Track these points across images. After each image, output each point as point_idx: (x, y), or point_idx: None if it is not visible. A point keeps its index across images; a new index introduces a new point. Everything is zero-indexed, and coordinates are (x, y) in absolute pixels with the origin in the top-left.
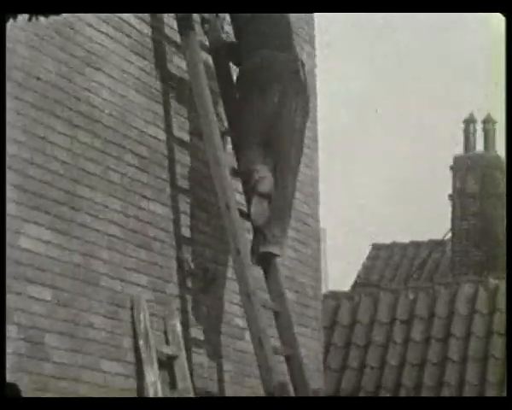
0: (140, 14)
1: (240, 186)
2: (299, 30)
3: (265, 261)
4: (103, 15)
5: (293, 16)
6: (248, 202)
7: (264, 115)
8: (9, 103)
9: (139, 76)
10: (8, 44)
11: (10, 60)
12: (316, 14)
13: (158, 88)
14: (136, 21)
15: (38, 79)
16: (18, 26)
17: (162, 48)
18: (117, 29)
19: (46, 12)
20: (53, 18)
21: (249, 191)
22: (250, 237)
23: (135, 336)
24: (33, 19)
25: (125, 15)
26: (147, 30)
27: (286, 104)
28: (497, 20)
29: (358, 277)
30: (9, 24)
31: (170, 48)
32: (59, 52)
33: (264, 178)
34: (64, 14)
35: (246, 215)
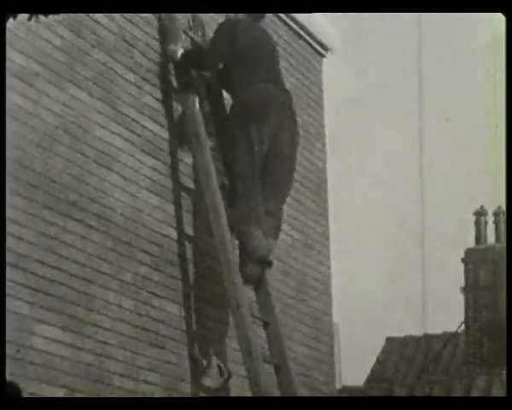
0: (150, 114)
1: None
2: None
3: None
4: (114, 115)
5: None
6: (242, 259)
7: (261, 150)
8: (21, 204)
9: (151, 176)
10: (19, 143)
11: (21, 160)
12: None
13: (169, 187)
14: (146, 120)
15: (50, 179)
16: (28, 127)
17: (174, 147)
18: (128, 129)
19: (46, 12)
20: (61, 119)
21: (243, 255)
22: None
23: None
24: (33, 19)
25: (138, 116)
26: (158, 129)
27: (280, 138)
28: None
29: (372, 371)
30: (19, 125)
31: (181, 147)
32: (70, 152)
33: (260, 245)
34: (73, 112)
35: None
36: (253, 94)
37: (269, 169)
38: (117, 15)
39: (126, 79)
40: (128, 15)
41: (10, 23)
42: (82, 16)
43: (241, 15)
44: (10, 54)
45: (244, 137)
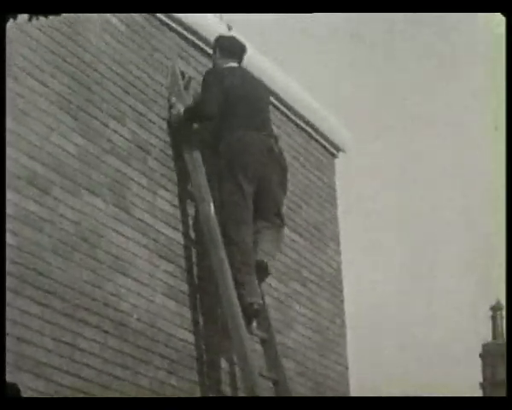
0: (165, 218)
1: None
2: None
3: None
4: (129, 220)
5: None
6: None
7: (249, 193)
8: (37, 310)
9: (166, 280)
10: (35, 250)
11: (37, 267)
12: None
13: (185, 291)
14: (161, 224)
15: (66, 286)
16: (45, 235)
17: (188, 251)
18: (143, 234)
19: (46, 12)
20: (77, 226)
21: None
22: None
23: None
24: (33, 19)
25: (152, 221)
26: (172, 233)
27: (266, 185)
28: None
29: None
30: (35, 233)
31: (197, 250)
32: (85, 258)
33: (253, 302)
34: (88, 219)
35: None
36: (235, 140)
37: (259, 210)
38: (129, 121)
39: (140, 185)
40: (141, 121)
41: (21, 126)
42: (96, 123)
43: (222, 62)
44: (23, 160)
45: (231, 181)
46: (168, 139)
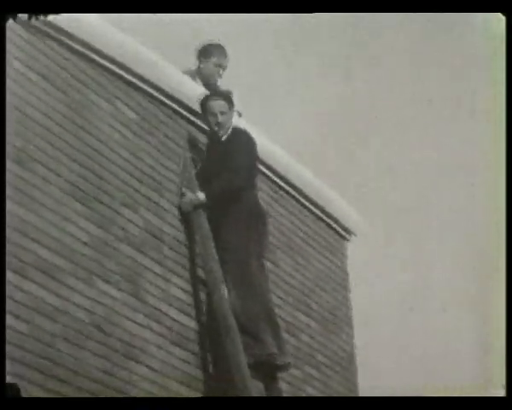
0: (178, 305)
1: None
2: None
3: None
4: (143, 308)
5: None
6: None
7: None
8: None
9: (180, 366)
10: (50, 339)
11: (49, 355)
12: None
13: (199, 377)
14: (174, 311)
15: (79, 374)
16: (59, 324)
17: (202, 337)
18: (156, 321)
19: (46, 12)
20: (91, 315)
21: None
22: None
23: None
24: (33, 19)
25: (166, 307)
26: (186, 320)
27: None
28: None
29: None
30: (50, 322)
31: (210, 336)
32: (99, 346)
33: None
34: (102, 307)
35: None
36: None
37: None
38: (142, 209)
39: (154, 272)
40: (153, 208)
41: (35, 216)
42: (109, 211)
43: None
44: (36, 248)
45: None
46: (180, 226)
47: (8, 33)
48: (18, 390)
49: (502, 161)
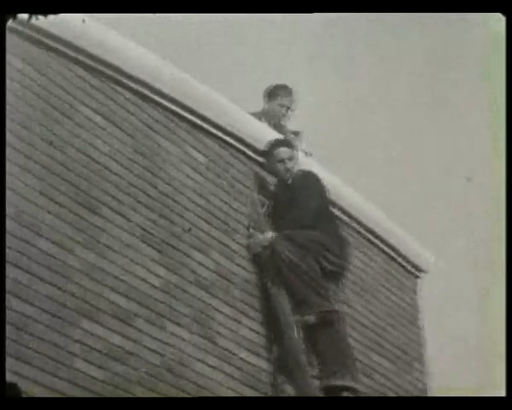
0: (249, 346)
1: None
2: None
3: None
4: (213, 349)
5: None
6: None
7: None
8: None
9: None
10: (120, 382)
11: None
12: None
13: None
14: (245, 352)
15: None
16: (130, 367)
17: (274, 378)
18: (227, 362)
19: (46, 12)
20: (161, 358)
21: None
22: None
23: None
24: (33, 19)
25: (237, 349)
26: (257, 361)
27: None
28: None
29: None
30: (118, 364)
31: (282, 376)
32: (170, 389)
33: None
34: (173, 349)
35: None
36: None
37: None
38: (212, 251)
39: (224, 314)
40: (223, 250)
41: (105, 260)
42: (179, 255)
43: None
44: (107, 293)
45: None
46: (250, 267)
47: (76, 80)
48: (18, 390)
49: (502, 160)
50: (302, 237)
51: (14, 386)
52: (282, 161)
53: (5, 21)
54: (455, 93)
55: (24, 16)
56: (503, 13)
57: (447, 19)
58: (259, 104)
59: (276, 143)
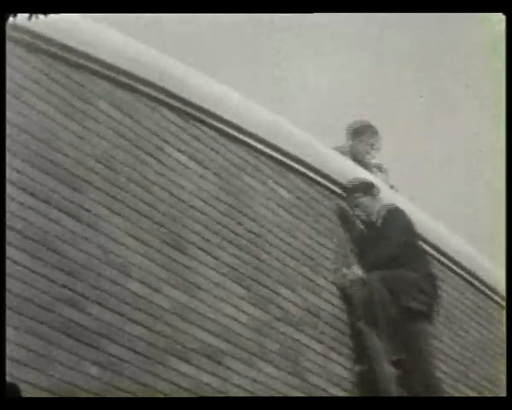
0: (338, 381)
1: None
2: None
3: None
4: (302, 386)
5: None
6: None
7: None
8: None
9: None
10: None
11: None
12: None
13: None
14: (334, 389)
15: None
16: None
17: None
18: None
19: (46, 12)
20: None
21: None
22: None
23: None
24: (33, 18)
25: (326, 384)
26: (346, 373)
27: None
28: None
29: None
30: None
31: None
32: None
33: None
34: (261, 386)
35: None
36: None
37: None
38: (299, 287)
39: (313, 350)
40: (310, 286)
41: (194, 299)
42: (267, 292)
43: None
44: (195, 331)
45: None
46: (337, 302)
47: (161, 121)
48: (18, 390)
49: (502, 161)
50: (394, 277)
51: (14, 386)
52: (363, 208)
53: (5, 21)
54: (455, 93)
55: (25, 16)
56: (503, 13)
57: (447, 19)
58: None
59: (359, 184)
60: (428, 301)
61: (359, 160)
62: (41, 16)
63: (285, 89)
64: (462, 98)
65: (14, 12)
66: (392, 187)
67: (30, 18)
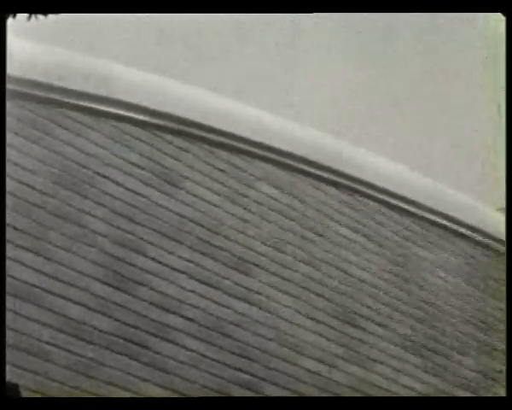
0: None
1: None
2: None
3: None
4: None
5: None
6: None
7: None
8: None
9: None
10: None
11: None
12: None
13: None
14: None
15: None
16: None
17: None
18: None
19: (46, 12)
20: None
21: None
22: None
23: None
24: (33, 18)
25: None
26: None
27: None
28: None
29: None
30: None
31: None
32: None
33: None
34: None
35: None
36: None
37: None
38: (472, 351)
39: None
40: (484, 349)
41: (369, 373)
42: (440, 358)
43: None
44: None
45: None
46: None
47: (326, 199)
48: (18, 390)
49: (502, 160)
50: None
51: (14, 386)
52: None
53: (5, 21)
54: (455, 93)
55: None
56: (503, 13)
57: (447, 19)
58: None
59: None
60: None
61: None
62: (41, 16)
63: None
64: (462, 98)
65: (14, 12)
66: None
67: (29, 18)
